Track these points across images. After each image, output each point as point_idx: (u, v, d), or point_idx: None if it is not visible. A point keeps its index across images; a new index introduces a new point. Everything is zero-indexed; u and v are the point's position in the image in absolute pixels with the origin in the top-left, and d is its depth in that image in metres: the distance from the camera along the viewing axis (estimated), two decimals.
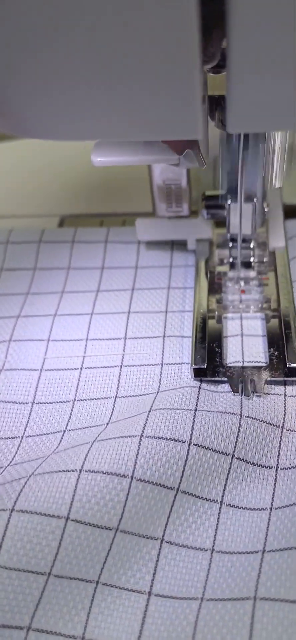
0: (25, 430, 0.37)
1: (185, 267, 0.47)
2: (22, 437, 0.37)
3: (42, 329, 0.43)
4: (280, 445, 0.33)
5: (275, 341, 0.39)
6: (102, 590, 0.29)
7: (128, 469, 0.30)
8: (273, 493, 0.32)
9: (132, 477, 0.30)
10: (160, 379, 0.38)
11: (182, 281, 0.46)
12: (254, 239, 0.44)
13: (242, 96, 0.23)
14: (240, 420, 0.33)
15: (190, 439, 0.32)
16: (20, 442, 0.36)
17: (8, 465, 0.34)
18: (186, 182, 0.44)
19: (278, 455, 0.33)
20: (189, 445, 0.32)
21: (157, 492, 0.31)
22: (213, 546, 0.30)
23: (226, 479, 0.32)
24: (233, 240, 0.44)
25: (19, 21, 0.21)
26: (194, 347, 0.38)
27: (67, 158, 0.60)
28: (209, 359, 0.38)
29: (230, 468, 0.32)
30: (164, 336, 0.41)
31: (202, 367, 0.37)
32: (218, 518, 0.31)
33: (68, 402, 0.38)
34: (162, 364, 0.39)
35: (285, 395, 0.36)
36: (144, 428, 0.32)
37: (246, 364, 0.38)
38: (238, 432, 0.33)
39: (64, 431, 0.36)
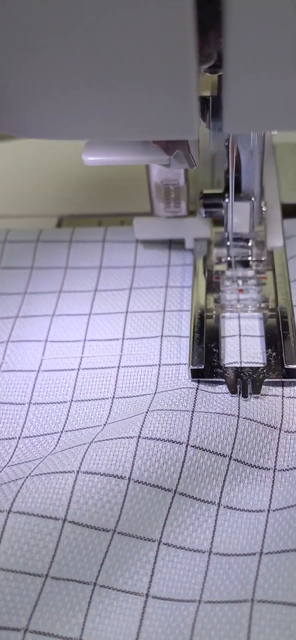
0: (22, 431, 0.37)
1: (183, 266, 0.47)
2: (19, 438, 0.37)
3: (40, 329, 0.43)
4: (277, 447, 0.33)
5: (273, 341, 0.39)
6: (99, 592, 0.29)
7: (126, 471, 0.30)
8: (271, 495, 0.32)
9: (129, 479, 0.30)
10: (157, 380, 0.38)
11: (180, 280, 0.45)
12: (252, 237, 0.44)
13: (238, 96, 0.23)
14: (238, 421, 0.33)
15: (188, 440, 0.32)
16: (17, 443, 0.36)
17: (5, 466, 0.34)
18: (184, 182, 0.44)
19: (276, 456, 0.33)
20: (187, 446, 0.32)
21: (155, 494, 0.30)
22: (210, 548, 0.30)
23: (224, 481, 0.32)
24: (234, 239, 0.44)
25: (18, 22, 0.21)
26: (192, 348, 0.38)
27: (65, 158, 0.60)
28: (207, 359, 0.38)
29: (227, 469, 0.32)
30: (162, 336, 0.41)
31: (200, 368, 0.37)
32: (216, 520, 0.31)
33: (65, 402, 0.38)
34: (159, 365, 0.39)
35: (283, 396, 0.36)
36: (142, 429, 0.32)
37: (244, 365, 0.38)
38: (236, 433, 0.33)
39: (61, 432, 0.36)
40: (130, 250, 0.48)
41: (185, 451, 0.31)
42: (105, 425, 0.36)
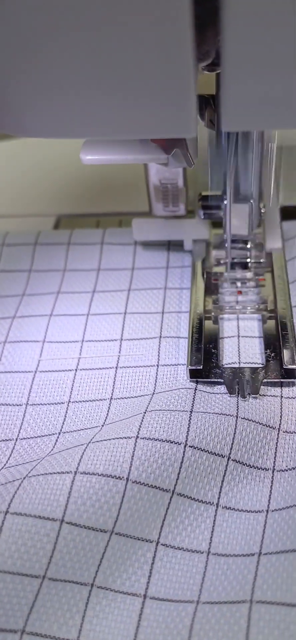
0: (19, 432, 0.37)
1: (181, 268, 0.47)
2: (16, 439, 0.36)
3: (38, 329, 0.43)
4: (276, 447, 0.33)
5: (272, 342, 0.39)
6: (96, 593, 0.29)
7: (124, 471, 0.30)
8: (270, 495, 0.31)
9: (127, 479, 0.30)
10: (155, 381, 0.38)
11: (178, 282, 0.45)
12: (251, 239, 0.44)
13: (236, 94, 0.23)
14: (236, 421, 0.33)
15: (186, 440, 0.32)
16: (15, 444, 0.36)
17: (2, 468, 0.34)
18: (182, 182, 0.44)
19: (275, 457, 0.33)
20: (185, 447, 0.31)
21: (153, 494, 0.30)
22: (209, 549, 0.30)
23: (222, 481, 0.32)
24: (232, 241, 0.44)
25: (17, 22, 0.21)
26: (190, 348, 0.38)
27: (63, 158, 0.60)
28: (205, 360, 0.38)
29: (226, 470, 0.32)
30: (160, 337, 0.41)
31: (198, 368, 0.37)
32: (214, 520, 0.31)
33: (63, 403, 0.38)
34: (157, 365, 0.39)
35: (282, 396, 0.36)
36: (140, 429, 0.32)
37: (242, 365, 0.38)
38: (235, 433, 0.33)
39: (59, 433, 0.36)
40: (129, 252, 0.48)
41: (184, 451, 0.31)
42: (103, 425, 0.35)
